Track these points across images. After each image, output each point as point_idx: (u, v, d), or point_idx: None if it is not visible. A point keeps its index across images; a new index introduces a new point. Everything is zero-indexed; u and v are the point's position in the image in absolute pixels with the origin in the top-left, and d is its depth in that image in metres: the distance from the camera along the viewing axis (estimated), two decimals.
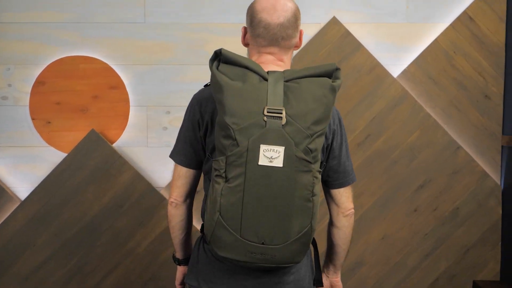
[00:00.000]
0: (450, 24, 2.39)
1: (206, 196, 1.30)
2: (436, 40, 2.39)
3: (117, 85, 2.43)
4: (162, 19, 2.41)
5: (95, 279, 2.43)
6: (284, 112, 1.07)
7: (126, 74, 2.43)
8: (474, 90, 2.42)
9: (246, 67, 1.12)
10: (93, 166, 2.40)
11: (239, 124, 1.06)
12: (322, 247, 1.46)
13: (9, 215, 2.42)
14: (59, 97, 2.43)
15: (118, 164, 2.40)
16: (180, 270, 1.42)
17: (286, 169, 1.07)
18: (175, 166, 1.30)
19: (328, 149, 1.28)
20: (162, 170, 2.43)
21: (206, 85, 1.27)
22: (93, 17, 2.41)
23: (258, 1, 1.27)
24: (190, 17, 2.40)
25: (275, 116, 1.06)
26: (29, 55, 2.42)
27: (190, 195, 1.32)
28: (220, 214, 1.09)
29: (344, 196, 1.34)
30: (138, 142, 2.45)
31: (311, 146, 1.10)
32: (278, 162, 1.06)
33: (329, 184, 1.33)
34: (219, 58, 1.13)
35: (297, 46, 1.32)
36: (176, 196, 1.29)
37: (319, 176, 1.15)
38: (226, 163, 1.08)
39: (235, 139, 1.07)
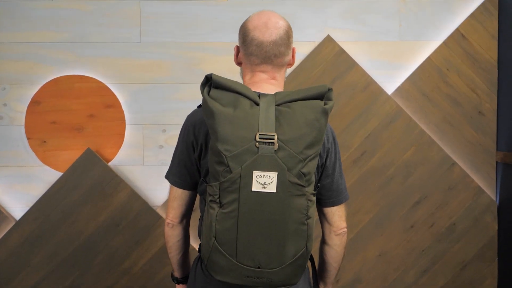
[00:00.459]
0: (443, 42, 2.41)
1: (201, 216, 1.30)
2: (429, 58, 2.41)
3: (113, 104, 2.44)
4: (157, 38, 2.43)
5: None
6: (276, 138, 1.07)
7: (121, 93, 2.44)
8: (468, 107, 2.44)
9: (238, 92, 1.11)
10: (89, 185, 2.40)
11: (231, 151, 1.06)
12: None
13: (4, 235, 2.40)
14: (55, 117, 2.43)
15: (114, 182, 2.40)
16: None
17: (279, 194, 1.07)
18: (170, 187, 1.30)
19: (322, 168, 1.28)
20: (158, 189, 2.43)
21: (199, 106, 1.27)
22: (88, 37, 2.42)
23: (250, 20, 1.28)
24: (185, 36, 2.41)
25: (267, 142, 1.06)
26: (24, 75, 2.42)
27: (186, 216, 1.33)
28: (215, 239, 1.09)
29: (336, 215, 1.33)
30: (134, 160, 2.45)
31: (304, 170, 1.10)
32: (272, 188, 1.06)
33: (322, 203, 1.32)
34: (210, 82, 1.13)
35: (290, 64, 1.32)
36: (172, 217, 1.30)
37: (314, 199, 1.15)
38: (219, 189, 1.08)
39: (228, 166, 1.07)
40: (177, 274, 1.41)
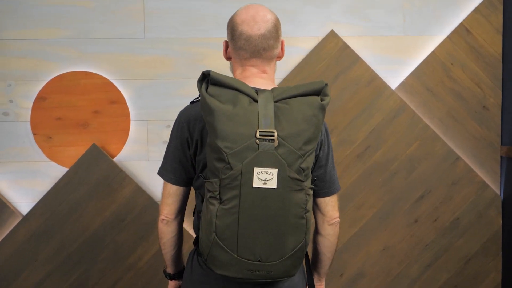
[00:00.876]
0: (447, 36, 2.41)
1: (198, 211, 1.31)
2: (433, 52, 2.41)
3: (118, 100, 2.45)
4: (161, 34, 2.43)
5: None
6: (276, 134, 1.08)
7: (126, 89, 2.45)
8: (472, 101, 2.43)
9: (236, 89, 1.12)
10: (94, 181, 2.42)
11: (232, 148, 1.07)
12: None
13: (11, 230, 2.43)
14: (60, 113, 2.45)
15: (119, 178, 2.41)
16: (172, 284, 1.44)
17: (280, 190, 1.09)
18: (164, 183, 1.31)
19: (315, 159, 1.29)
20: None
21: (192, 102, 1.28)
22: (93, 33, 2.43)
23: (238, 14, 1.28)
24: (189, 32, 2.42)
25: (267, 139, 1.07)
26: (29, 71, 2.44)
27: (180, 212, 1.33)
28: (216, 234, 1.11)
29: (329, 205, 1.34)
30: (138, 156, 2.47)
31: (303, 165, 1.12)
32: (272, 184, 1.08)
33: (315, 193, 1.33)
34: (207, 79, 1.14)
35: (279, 57, 1.33)
36: (167, 214, 1.30)
37: (311, 192, 1.17)
38: (220, 185, 1.09)
39: (229, 163, 1.08)
40: (170, 270, 1.41)
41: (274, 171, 1.07)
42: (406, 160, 2.44)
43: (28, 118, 2.45)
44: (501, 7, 2.39)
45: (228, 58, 1.33)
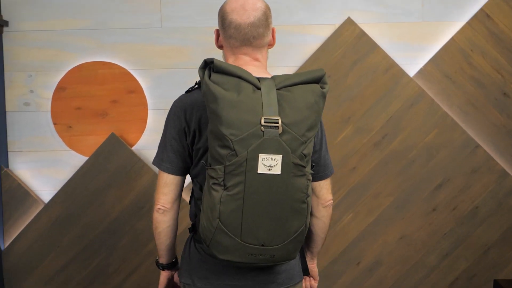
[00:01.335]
0: (467, 22, 2.36)
1: (196, 198, 1.32)
2: (452, 39, 2.37)
3: (135, 89, 2.48)
4: (178, 24, 2.44)
5: (117, 280, 2.49)
6: (280, 121, 1.09)
7: (144, 79, 2.47)
8: (492, 88, 2.39)
9: (239, 77, 1.13)
10: (114, 169, 2.46)
11: (237, 135, 1.08)
12: None
13: (34, 218, 2.49)
14: (80, 102, 2.49)
15: (138, 166, 2.45)
16: (164, 274, 1.43)
17: (283, 176, 1.11)
18: (160, 173, 1.30)
19: None
20: None
21: (187, 91, 1.28)
22: (110, 23, 2.45)
23: (228, 3, 1.28)
24: (205, 21, 2.43)
25: (272, 126, 1.09)
26: (49, 62, 2.48)
27: (176, 201, 1.33)
28: (220, 220, 1.12)
29: (324, 188, 1.37)
30: (156, 144, 2.44)
31: (305, 151, 1.14)
32: (277, 170, 1.10)
33: None
34: (209, 66, 1.14)
35: (271, 45, 1.33)
36: (163, 203, 1.30)
37: (311, 177, 1.20)
38: (224, 172, 1.10)
39: (234, 149, 1.09)
40: (163, 260, 1.41)
41: (279, 157, 1.09)
42: (424, 148, 2.41)
43: (49, 108, 2.50)
44: None
45: (220, 46, 1.33)
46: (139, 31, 2.45)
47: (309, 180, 1.17)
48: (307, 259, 1.50)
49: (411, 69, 2.41)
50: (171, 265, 1.42)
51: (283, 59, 2.43)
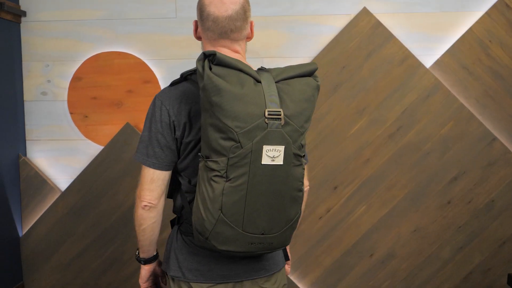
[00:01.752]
0: (486, 12, 2.31)
1: (184, 192, 1.30)
2: (470, 29, 2.32)
3: (150, 79, 2.49)
4: (193, 14, 2.44)
5: (132, 267, 2.52)
6: (282, 113, 1.12)
7: (159, 69, 2.49)
8: (510, 80, 2.34)
9: (240, 70, 1.13)
10: (129, 158, 2.48)
11: (242, 127, 1.10)
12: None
13: (51, 205, 2.54)
14: (95, 92, 2.51)
15: None
16: (146, 269, 1.41)
17: (285, 166, 1.14)
18: (145, 169, 1.27)
19: None
20: None
21: (172, 84, 1.27)
22: (126, 14, 2.47)
23: None
24: None
25: (275, 118, 1.11)
26: (66, 52, 2.51)
27: (162, 196, 1.31)
28: (222, 212, 1.13)
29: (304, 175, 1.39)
30: None
31: (303, 142, 1.18)
32: (279, 160, 1.13)
33: None
34: (207, 59, 1.13)
35: (249, 38, 1.32)
36: (150, 199, 1.27)
37: (305, 167, 1.24)
38: (227, 164, 1.11)
39: (239, 142, 1.10)
40: (145, 255, 1.39)
41: (281, 148, 1.12)
42: (440, 140, 2.38)
43: (65, 97, 2.53)
44: None
45: (198, 38, 1.33)
46: (154, 21, 2.46)
47: (303, 169, 1.21)
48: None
49: (428, 60, 2.38)
50: (153, 259, 1.41)
51: (297, 50, 2.42)
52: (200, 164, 1.17)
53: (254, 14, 2.39)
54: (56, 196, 2.55)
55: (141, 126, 2.52)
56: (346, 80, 2.39)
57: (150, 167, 1.26)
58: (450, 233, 2.42)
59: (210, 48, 1.28)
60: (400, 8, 2.37)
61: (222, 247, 1.16)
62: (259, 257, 1.31)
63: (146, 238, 1.33)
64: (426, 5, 2.36)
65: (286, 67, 1.20)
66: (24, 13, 2.48)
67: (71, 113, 2.54)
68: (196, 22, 1.31)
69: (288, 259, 1.47)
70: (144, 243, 1.35)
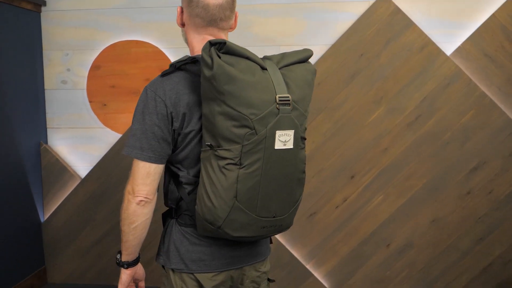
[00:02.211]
0: None
1: (185, 183, 1.28)
2: (493, 15, 2.26)
3: (167, 68, 2.50)
4: None
5: (150, 254, 2.56)
6: (290, 98, 1.15)
7: (176, 57, 2.49)
8: None
9: (247, 58, 1.15)
10: None
11: (257, 114, 1.12)
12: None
13: (71, 192, 2.59)
14: (114, 81, 2.54)
15: None
16: (128, 273, 1.33)
17: (294, 149, 1.18)
18: (140, 163, 1.20)
19: None
20: None
21: (163, 75, 1.23)
22: (143, 2, 2.48)
23: None
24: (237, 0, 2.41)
25: (285, 103, 1.14)
26: (85, 41, 2.53)
27: (157, 191, 1.27)
28: (236, 199, 1.15)
29: None
30: None
31: (306, 125, 1.23)
32: (290, 144, 1.16)
33: None
34: (213, 48, 1.12)
35: (232, 28, 1.32)
36: (146, 194, 1.22)
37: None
38: (241, 151, 1.13)
39: (254, 128, 1.12)
40: (129, 257, 1.32)
41: (291, 132, 1.16)
42: (460, 129, 2.34)
43: (85, 86, 2.56)
44: None
45: (182, 24, 1.30)
46: (170, 10, 2.46)
47: (305, 151, 1.25)
48: None
49: (448, 48, 2.32)
50: (137, 261, 1.35)
51: (315, 37, 2.39)
52: (206, 154, 1.16)
53: (269, 2, 2.37)
54: (76, 183, 2.60)
55: None
56: (364, 68, 2.36)
57: (146, 161, 1.20)
58: (470, 224, 2.38)
59: (196, 36, 1.27)
60: None
61: (236, 233, 1.18)
62: (257, 242, 1.35)
63: (136, 237, 1.27)
64: None
65: (282, 53, 1.23)
66: (44, 3, 2.51)
67: (90, 102, 2.57)
68: (181, 8, 1.29)
69: (271, 242, 1.49)
70: (133, 243, 1.28)
